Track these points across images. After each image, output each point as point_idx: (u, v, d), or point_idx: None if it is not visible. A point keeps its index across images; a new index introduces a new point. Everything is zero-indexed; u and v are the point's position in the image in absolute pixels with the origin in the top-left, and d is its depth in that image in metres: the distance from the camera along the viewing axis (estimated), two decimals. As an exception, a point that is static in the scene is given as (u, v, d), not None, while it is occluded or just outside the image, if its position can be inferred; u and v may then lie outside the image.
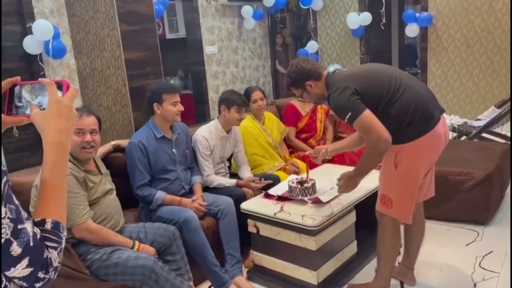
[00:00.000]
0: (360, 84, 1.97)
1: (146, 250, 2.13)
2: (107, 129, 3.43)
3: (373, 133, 1.89)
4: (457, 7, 4.90)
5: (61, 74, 3.70)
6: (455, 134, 4.31)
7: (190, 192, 2.72)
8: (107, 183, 2.24)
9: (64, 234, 0.86)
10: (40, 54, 3.52)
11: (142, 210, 2.60)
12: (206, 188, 2.80)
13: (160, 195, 2.52)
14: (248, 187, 2.85)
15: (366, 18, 5.31)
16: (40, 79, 0.91)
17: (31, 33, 3.39)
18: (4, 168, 0.75)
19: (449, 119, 4.56)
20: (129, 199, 2.52)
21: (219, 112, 2.97)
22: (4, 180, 0.75)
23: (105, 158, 2.50)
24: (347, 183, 2.13)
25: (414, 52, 7.74)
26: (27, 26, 3.46)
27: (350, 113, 1.92)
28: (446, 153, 2.21)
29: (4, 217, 0.74)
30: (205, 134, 2.86)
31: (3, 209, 0.74)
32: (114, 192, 2.29)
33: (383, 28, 5.42)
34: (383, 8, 5.31)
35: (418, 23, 5.09)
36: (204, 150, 2.82)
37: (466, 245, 2.83)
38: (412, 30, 5.17)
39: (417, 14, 5.13)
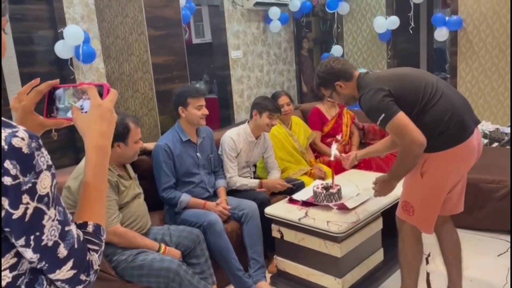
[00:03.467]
0: (394, 87, 1.90)
1: (172, 253, 2.15)
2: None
3: (407, 136, 1.82)
4: (489, 10, 4.76)
5: (90, 78, 3.78)
6: (486, 141, 4.18)
7: (214, 196, 2.73)
8: (136, 187, 2.29)
9: (104, 237, 0.86)
10: (71, 59, 3.60)
11: (167, 213, 2.63)
12: (230, 192, 2.81)
13: (185, 198, 2.54)
14: (273, 186, 2.84)
15: (393, 22, 5.22)
16: (79, 83, 0.91)
17: (63, 38, 3.48)
18: (53, 171, 0.76)
19: (481, 125, 4.41)
20: (155, 201, 2.55)
21: (251, 117, 2.97)
22: (54, 182, 0.75)
23: (132, 161, 2.53)
24: (382, 187, 2.07)
25: (443, 56, 7.56)
26: (59, 31, 3.56)
27: (383, 115, 1.85)
28: (478, 160, 2.14)
29: (54, 219, 0.74)
30: (233, 136, 2.88)
31: (52, 211, 0.74)
32: (142, 196, 2.33)
33: (411, 32, 5.32)
34: (411, 12, 5.21)
35: (448, 27, 4.96)
36: (230, 151, 2.83)
37: (498, 255, 2.73)
38: (441, 34, 5.05)
39: (447, 18, 5.01)
